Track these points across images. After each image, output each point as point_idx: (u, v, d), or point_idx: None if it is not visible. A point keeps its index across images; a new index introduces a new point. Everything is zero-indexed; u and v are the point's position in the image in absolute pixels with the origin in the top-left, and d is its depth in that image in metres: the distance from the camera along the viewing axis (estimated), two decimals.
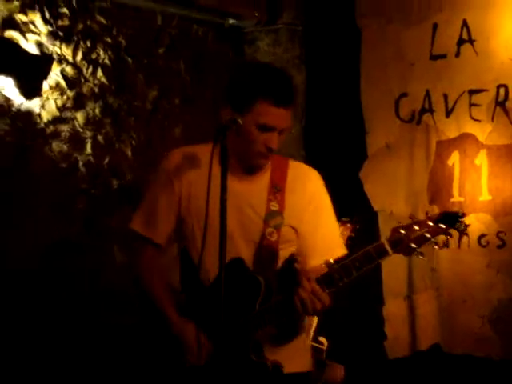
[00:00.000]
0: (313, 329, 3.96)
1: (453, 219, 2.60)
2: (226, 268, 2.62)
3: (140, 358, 2.97)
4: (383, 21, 4.92)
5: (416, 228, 2.62)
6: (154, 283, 2.92)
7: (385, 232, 4.69)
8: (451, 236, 2.64)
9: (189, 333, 2.81)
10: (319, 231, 2.92)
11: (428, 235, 2.60)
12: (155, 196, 2.92)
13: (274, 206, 2.87)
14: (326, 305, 2.68)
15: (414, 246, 2.62)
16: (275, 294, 2.80)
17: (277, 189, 2.89)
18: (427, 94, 4.71)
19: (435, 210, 4.60)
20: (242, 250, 2.86)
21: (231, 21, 5.45)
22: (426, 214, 2.65)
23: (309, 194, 2.92)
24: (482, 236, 4.49)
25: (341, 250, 2.92)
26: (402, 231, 2.62)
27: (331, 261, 2.70)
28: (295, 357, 2.92)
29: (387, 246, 2.63)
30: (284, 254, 2.91)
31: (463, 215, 2.62)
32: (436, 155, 4.69)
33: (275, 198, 2.88)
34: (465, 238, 4.47)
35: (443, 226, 2.59)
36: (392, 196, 4.83)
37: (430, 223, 2.60)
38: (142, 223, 2.94)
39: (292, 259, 2.94)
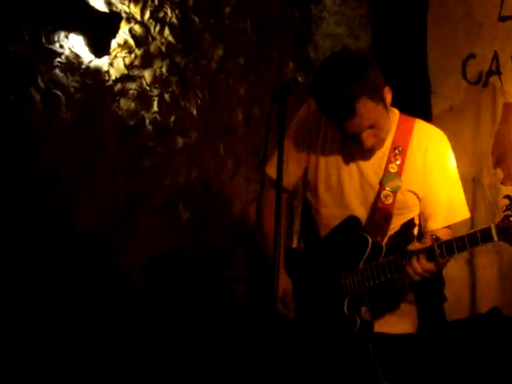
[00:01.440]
0: None
1: None
2: (341, 224, 2.84)
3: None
4: None
5: None
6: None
7: None
8: None
9: (285, 283, 2.89)
10: (440, 194, 2.92)
11: None
12: (289, 145, 2.93)
13: (393, 168, 2.87)
14: (431, 276, 2.73)
15: None
16: (382, 256, 2.84)
17: (399, 150, 2.88)
18: (495, 56, 4.63)
19: (499, 174, 4.57)
20: (357, 210, 2.92)
21: None
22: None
23: (431, 156, 2.90)
24: None
25: (462, 214, 2.96)
26: None
27: (436, 236, 2.72)
28: (394, 319, 2.96)
29: (494, 232, 2.61)
30: (400, 218, 2.94)
31: None
32: (502, 118, 4.62)
33: (395, 159, 2.88)
34: None
35: None
36: (456, 158, 4.77)
37: None
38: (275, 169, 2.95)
39: (409, 226, 2.97)
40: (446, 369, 4.64)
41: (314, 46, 5.55)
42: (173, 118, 4.79)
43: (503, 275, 4.62)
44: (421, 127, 2.96)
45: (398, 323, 2.97)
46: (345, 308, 2.85)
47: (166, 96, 4.75)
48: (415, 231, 3.01)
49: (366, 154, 2.89)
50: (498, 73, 4.64)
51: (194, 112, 4.90)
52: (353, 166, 2.92)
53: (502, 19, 4.61)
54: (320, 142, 2.97)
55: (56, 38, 4.20)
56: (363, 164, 2.92)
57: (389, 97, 2.81)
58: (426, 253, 2.69)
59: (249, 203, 5.00)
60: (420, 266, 2.69)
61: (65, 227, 4.23)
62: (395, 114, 2.95)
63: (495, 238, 2.61)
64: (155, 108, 4.69)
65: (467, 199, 4.58)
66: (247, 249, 3.17)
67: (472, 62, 4.75)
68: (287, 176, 2.85)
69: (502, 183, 4.59)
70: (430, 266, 2.69)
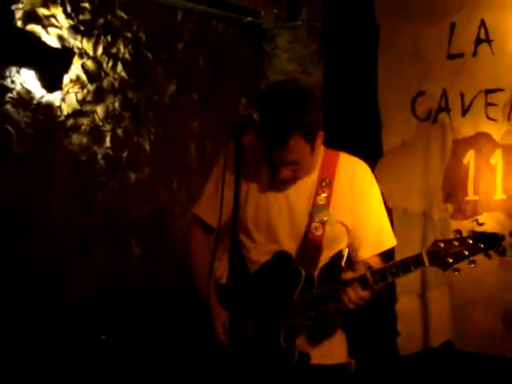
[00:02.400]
0: None
1: (493, 240, 2.64)
2: (271, 259, 2.90)
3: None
4: (401, 19, 4.93)
5: (455, 244, 2.67)
6: (202, 266, 2.98)
7: (399, 229, 4.72)
8: (490, 257, 2.67)
9: (223, 315, 2.91)
10: (368, 224, 2.98)
11: (466, 252, 2.65)
12: (216, 183, 2.99)
13: (321, 200, 2.93)
14: (365, 303, 2.78)
15: (450, 260, 2.66)
16: (315, 287, 2.88)
17: (325, 182, 2.94)
18: (444, 93, 4.71)
19: (450, 209, 4.63)
20: (286, 244, 2.96)
21: (250, 17, 5.48)
22: (469, 232, 2.68)
23: (357, 186, 2.97)
24: None
25: (389, 242, 3.03)
26: (442, 245, 2.68)
27: (369, 264, 2.81)
28: (329, 349, 3.00)
29: (425, 258, 2.69)
30: (329, 251, 2.98)
31: (503, 237, 2.64)
32: (451, 154, 4.70)
33: (323, 192, 2.94)
34: None
35: (482, 245, 2.64)
36: (407, 193, 4.85)
37: (470, 241, 2.65)
38: (204, 208, 3.04)
39: (337, 258, 3.01)
40: None
41: (267, 82, 5.59)
42: (125, 154, 4.78)
43: (455, 309, 4.66)
44: (346, 159, 3.04)
45: (331, 353, 3.01)
46: (281, 340, 2.88)
47: (119, 131, 4.74)
48: (342, 262, 3.06)
49: (295, 186, 2.95)
50: (447, 110, 4.72)
51: (147, 147, 4.90)
52: (281, 199, 2.96)
53: (451, 57, 4.70)
54: (249, 178, 3.00)
55: (7, 74, 4.19)
56: (292, 197, 2.96)
57: (319, 141, 2.89)
58: (360, 281, 2.75)
59: None
60: (355, 294, 2.74)
61: (17, 264, 4.18)
62: (320, 148, 2.99)
63: (427, 263, 2.69)
64: (108, 143, 4.68)
65: (418, 233, 4.74)
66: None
67: (421, 98, 4.83)
68: (214, 215, 2.87)
69: (451, 217, 4.65)
70: (364, 293, 2.75)
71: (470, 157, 4.62)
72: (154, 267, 4.86)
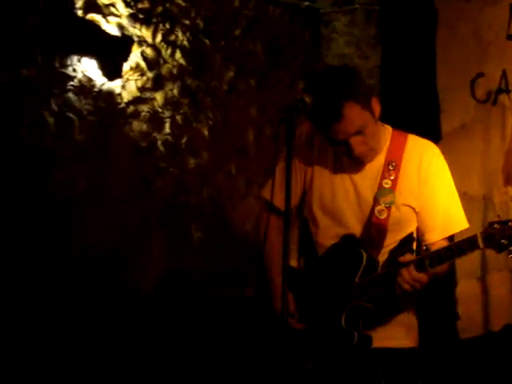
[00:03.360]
0: None
1: None
2: (337, 243, 2.92)
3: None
4: (461, 1, 4.88)
5: (511, 225, 2.62)
6: (274, 249, 2.97)
7: None
8: None
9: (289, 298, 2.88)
10: (434, 207, 2.94)
11: None
12: (283, 168, 2.91)
13: (387, 184, 2.91)
14: (422, 286, 2.76)
15: (505, 242, 2.62)
16: (378, 270, 2.88)
17: (392, 166, 2.91)
18: (504, 74, 4.66)
19: (510, 192, 4.58)
20: (353, 227, 2.95)
21: (307, 2, 5.48)
22: None
23: (424, 169, 2.92)
24: None
25: (459, 225, 2.97)
26: (497, 226, 2.64)
27: (426, 246, 2.82)
28: (395, 332, 2.97)
29: (479, 240, 2.65)
30: (397, 234, 2.95)
31: None
32: None
33: (389, 175, 2.91)
34: None
35: None
36: (466, 176, 4.80)
37: None
38: (273, 192, 2.95)
39: (407, 241, 2.99)
40: None
41: (324, 66, 5.58)
42: (185, 139, 4.83)
43: None
44: (414, 141, 2.99)
45: (398, 337, 2.98)
46: (342, 322, 2.88)
47: (178, 117, 4.80)
48: (414, 245, 3.04)
49: (361, 169, 2.93)
50: (507, 91, 4.66)
51: (206, 133, 4.94)
52: (347, 182, 2.96)
53: (510, 38, 4.64)
54: (314, 163, 3.01)
55: (69, 62, 4.27)
56: (358, 180, 2.95)
57: (377, 108, 2.86)
58: (416, 264, 2.74)
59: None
60: (410, 276, 2.73)
61: (79, 248, 4.27)
62: (388, 130, 2.98)
63: (481, 245, 2.65)
64: (167, 129, 4.74)
65: (478, 217, 4.69)
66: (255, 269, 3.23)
67: (481, 80, 4.78)
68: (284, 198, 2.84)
69: None
70: (419, 276, 2.74)
71: None
72: (214, 251, 4.91)
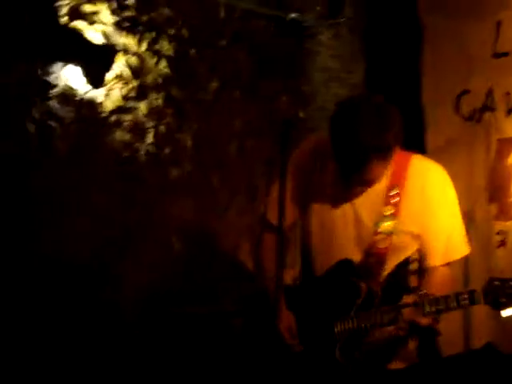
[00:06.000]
0: None
1: None
2: (334, 267, 2.85)
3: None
4: (446, 17, 4.88)
5: (511, 284, 2.65)
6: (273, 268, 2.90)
7: None
8: None
9: (289, 317, 2.90)
10: (437, 231, 2.91)
11: None
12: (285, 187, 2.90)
13: (389, 210, 2.84)
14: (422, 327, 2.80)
15: (503, 300, 2.66)
16: (376, 302, 2.84)
17: (395, 190, 2.84)
18: (489, 92, 4.66)
19: (493, 210, 4.58)
20: (350, 253, 2.89)
21: (293, 14, 5.46)
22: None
23: (427, 193, 2.89)
24: None
25: (461, 251, 2.97)
26: (497, 283, 2.67)
27: (424, 292, 2.77)
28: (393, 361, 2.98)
29: (480, 296, 2.69)
30: (395, 259, 2.92)
31: None
32: (496, 154, 4.64)
33: (392, 200, 2.85)
34: None
35: None
36: None
37: None
38: (273, 214, 2.87)
39: (404, 264, 2.97)
40: None
41: (308, 79, 5.57)
42: (168, 150, 4.79)
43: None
44: (417, 163, 2.94)
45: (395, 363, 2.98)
46: (337, 354, 2.84)
47: (162, 127, 4.76)
48: (411, 267, 3.01)
49: (362, 192, 2.86)
50: (492, 109, 4.66)
51: (189, 144, 4.90)
52: (348, 206, 2.89)
53: (497, 56, 4.64)
54: (315, 182, 2.96)
55: (52, 70, 4.23)
56: (358, 204, 2.88)
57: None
58: (416, 307, 2.73)
59: (242, 236, 4.98)
60: (411, 318, 2.74)
61: (58, 258, 4.21)
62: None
63: (482, 302, 2.71)
64: (150, 139, 4.70)
65: None
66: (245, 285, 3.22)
67: (466, 97, 4.78)
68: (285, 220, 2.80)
69: (495, 218, 4.59)
70: (421, 320, 2.75)
71: None
72: (195, 264, 4.86)
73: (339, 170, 2.79)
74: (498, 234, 4.54)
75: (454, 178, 4.76)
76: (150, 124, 4.70)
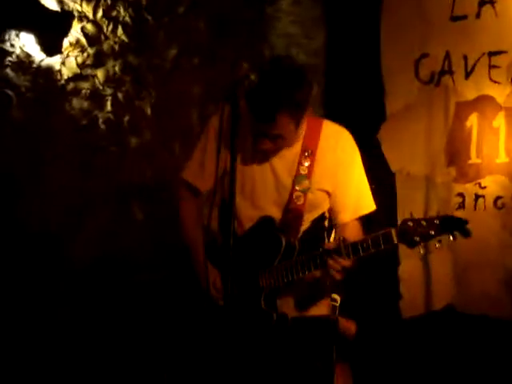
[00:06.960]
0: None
1: (459, 224, 2.85)
2: (255, 224, 3.06)
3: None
4: None
5: (423, 223, 2.84)
6: (193, 227, 3.19)
7: (401, 193, 4.73)
8: (455, 238, 2.87)
9: (214, 273, 3.02)
10: (348, 190, 3.15)
11: (432, 232, 2.84)
12: (204, 148, 3.15)
13: (304, 170, 3.07)
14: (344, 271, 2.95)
15: (417, 239, 2.86)
16: (296, 254, 3.05)
17: (308, 152, 3.07)
18: (447, 56, 4.67)
19: (452, 172, 4.61)
20: (271, 210, 3.10)
21: None
22: (437, 213, 2.92)
23: (339, 154, 3.11)
24: (498, 198, 4.48)
25: (368, 207, 3.19)
26: (410, 223, 2.85)
27: (342, 237, 2.97)
28: (313, 309, 3.15)
29: (394, 236, 2.86)
30: (310, 215, 3.14)
31: (467, 222, 2.85)
32: (454, 117, 4.67)
33: (305, 161, 3.07)
34: (480, 200, 4.47)
35: (448, 227, 2.84)
36: (410, 157, 4.82)
37: (437, 222, 2.83)
38: (192, 173, 3.19)
39: (320, 219, 3.19)
40: (402, 366, 4.67)
41: (269, 45, 5.54)
42: (127, 118, 4.76)
43: (457, 272, 4.66)
44: (328, 128, 3.15)
45: (314, 311, 3.15)
46: (262, 303, 3.02)
47: (120, 95, 4.73)
48: (326, 223, 3.23)
49: (279, 154, 3.07)
50: (451, 72, 4.68)
51: (149, 111, 4.87)
52: (267, 168, 3.09)
53: (454, 19, 4.65)
54: (235, 146, 3.02)
55: (6, 37, 4.19)
56: (276, 165, 3.09)
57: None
58: (335, 251, 2.91)
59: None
60: (334, 262, 2.91)
61: (16, 226, 4.19)
62: (304, 118, 3.07)
63: (395, 241, 2.87)
64: (108, 107, 4.66)
65: (420, 197, 4.72)
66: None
67: (424, 61, 4.79)
68: (203, 180, 3.11)
69: (454, 181, 4.63)
70: (345, 262, 2.92)
71: (472, 120, 4.59)
72: (156, 231, 4.85)
73: (254, 127, 2.96)
74: (456, 196, 4.59)
75: (414, 141, 4.85)
76: (108, 92, 4.66)
